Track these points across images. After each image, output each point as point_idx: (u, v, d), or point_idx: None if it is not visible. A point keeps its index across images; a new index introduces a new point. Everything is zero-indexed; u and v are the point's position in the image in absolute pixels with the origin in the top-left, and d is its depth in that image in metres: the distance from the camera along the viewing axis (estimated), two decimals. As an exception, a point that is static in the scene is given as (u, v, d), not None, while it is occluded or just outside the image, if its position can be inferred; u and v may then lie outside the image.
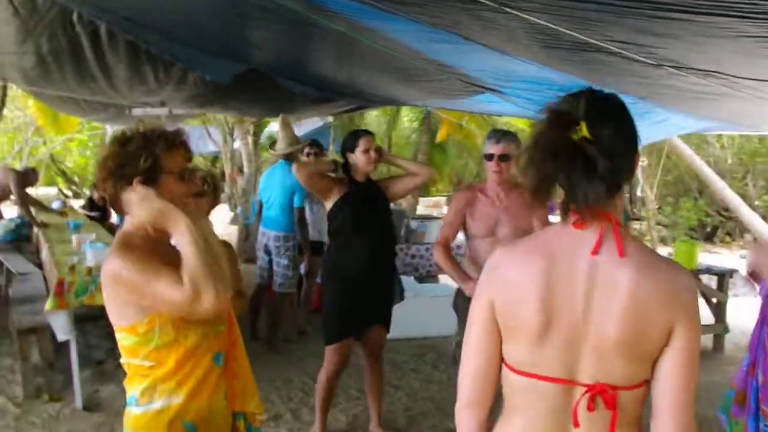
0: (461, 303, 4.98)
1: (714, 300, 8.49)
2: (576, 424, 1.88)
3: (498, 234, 4.91)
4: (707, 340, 8.49)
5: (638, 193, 16.41)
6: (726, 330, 8.37)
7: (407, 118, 26.68)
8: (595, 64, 4.56)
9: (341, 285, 5.46)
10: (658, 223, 21.83)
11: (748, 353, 3.15)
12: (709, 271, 8.66)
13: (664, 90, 4.95)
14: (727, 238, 22.47)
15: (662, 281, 1.88)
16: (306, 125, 19.43)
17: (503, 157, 4.84)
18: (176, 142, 2.97)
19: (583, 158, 1.87)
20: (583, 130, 1.89)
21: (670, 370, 1.84)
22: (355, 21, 5.11)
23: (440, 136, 19.23)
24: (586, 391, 1.84)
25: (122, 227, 3.01)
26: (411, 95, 8.67)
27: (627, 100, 5.76)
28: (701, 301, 8.62)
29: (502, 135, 4.88)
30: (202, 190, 4.03)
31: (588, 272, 1.85)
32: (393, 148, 23.38)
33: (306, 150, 8.46)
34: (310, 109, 10.45)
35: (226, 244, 4.04)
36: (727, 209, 18.14)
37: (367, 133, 5.83)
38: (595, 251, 1.86)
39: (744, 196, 21.01)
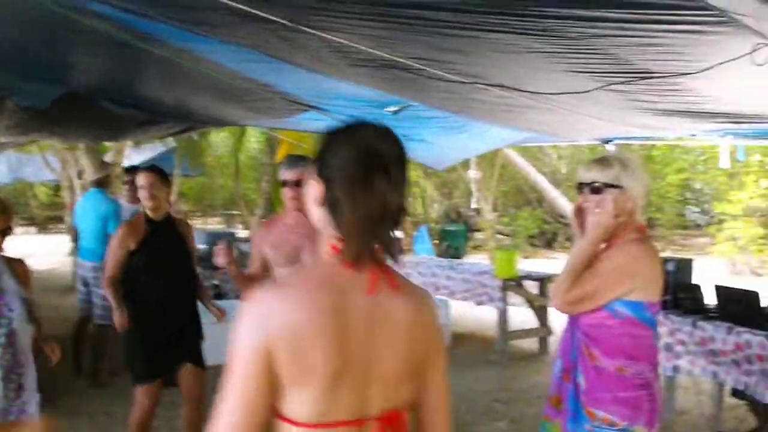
0: None
1: (536, 304, 8.82)
2: None
3: (302, 260, 4.86)
4: (533, 343, 8.84)
5: (473, 205, 16.85)
6: (549, 332, 8.66)
7: (255, 139, 26.43)
8: (403, 81, 4.65)
9: (141, 327, 5.26)
10: (499, 233, 22.46)
11: (560, 359, 3.24)
12: (529, 277, 8.96)
13: (475, 104, 5.11)
14: (567, 244, 23.37)
15: (426, 306, 1.95)
16: (147, 150, 18.97)
17: (298, 183, 4.76)
18: None
19: (389, 207, 1.81)
20: (393, 177, 1.80)
21: (436, 380, 1.97)
22: (171, 43, 5.02)
23: (279, 156, 19.06)
24: (378, 423, 1.83)
25: None
26: (239, 115, 8.58)
27: (443, 115, 5.91)
28: (525, 305, 8.96)
29: (295, 160, 4.82)
30: None
31: (368, 310, 1.81)
32: (240, 169, 23.08)
33: (126, 177, 8.21)
34: (138, 133, 10.15)
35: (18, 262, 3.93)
36: (563, 216, 18.86)
37: (147, 169, 5.50)
38: (372, 288, 1.82)
39: (579, 203, 21.92)
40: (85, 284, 7.97)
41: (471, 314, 10.07)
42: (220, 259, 4.59)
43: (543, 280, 8.70)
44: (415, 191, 25.46)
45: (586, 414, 3.01)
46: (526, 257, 20.13)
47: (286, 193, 4.75)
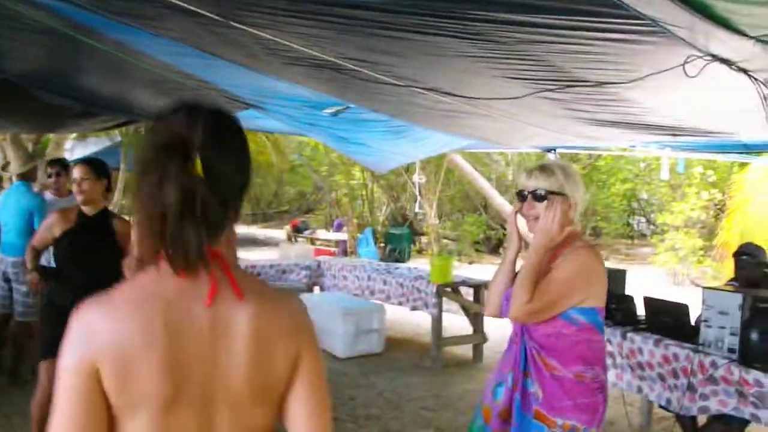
0: None
1: (471, 311, 8.71)
2: None
3: None
4: (467, 350, 8.94)
5: (417, 209, 16.84)
6: (484, 339, 8.56)
7: (201, 136, 26.18)
8: (338, 81, 4.57)
9: (58, 317, 5.14)
10: (445, 237, 22.51)
11: (512, 372, 3.19)
12: (464, 283, 8.89)
13: (412, 108, 5.05)
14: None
15: (281, 313, 1.72)
16: (92, 144, 18.62)
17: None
18: None
19: (192, 201, 1.57)
20: (198, 168, 1.58)
21: (304, 398, 1.71)
22: (106, 35, 4.88)
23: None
24: None
25: None
26: (178, 111, 8.43)
27: (382, 118, 5.85)
28: (461, 312, 8.92)
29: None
30: None
31: (209, 323, 1.61)
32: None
33: (49, 170, 7.99)
34: (73, 124, 9.95)
35: None
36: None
37: (80, 162, 5.39)
38: (212, 299, 1.62)
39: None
40: (6, 280, 7.72)
41: (411, 319, 10.00)
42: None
43: (478, 287, 8.62)
44: (362, 194, 25.47)
45: (541, 422, 3.03)
46: (471, 262, 20.22)
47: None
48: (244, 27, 3.58)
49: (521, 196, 3.20)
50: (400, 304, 8.82)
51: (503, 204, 17.14)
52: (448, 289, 8.46)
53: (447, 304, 8.61)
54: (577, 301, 3.06)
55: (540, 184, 3.12)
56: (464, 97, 4.37)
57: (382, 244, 20.05)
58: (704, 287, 4.62)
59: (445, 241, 22.84)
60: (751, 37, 2.79)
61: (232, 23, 3.54)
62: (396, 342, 9.34)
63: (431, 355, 8.28)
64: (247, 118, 7.60)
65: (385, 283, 9.02)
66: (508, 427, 3.14)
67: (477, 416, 3.36)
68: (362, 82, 4.41)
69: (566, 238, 3.12)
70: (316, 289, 10.57)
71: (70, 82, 7.15)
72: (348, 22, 3.16)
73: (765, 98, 3.60)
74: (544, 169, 3.18)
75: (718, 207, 17.12)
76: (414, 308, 8.51)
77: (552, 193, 3.09)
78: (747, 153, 7.03)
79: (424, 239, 21.77)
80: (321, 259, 11.05)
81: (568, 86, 3.74)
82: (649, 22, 2.62)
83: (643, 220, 26.90)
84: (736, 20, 2.64)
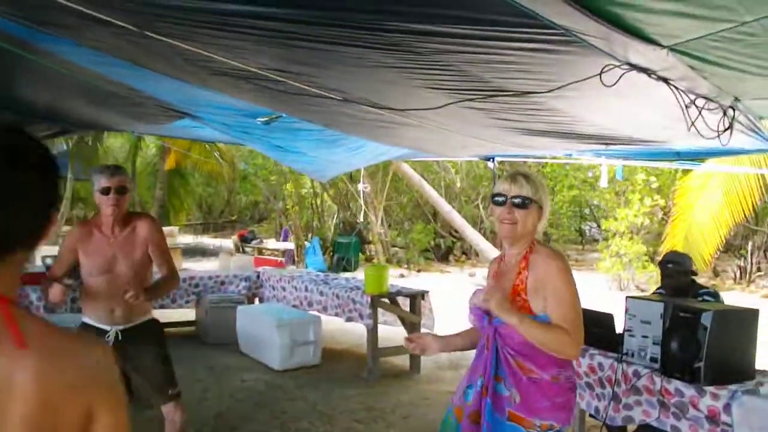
0: None
1: (408, 321, 8.57)
2: None
3: (116, 271, 4.70)
4: (406, 360, 8.81)
5: (361, 218, 16.85)
6: None
7: (153, 145, 25.90)
8: (264, 92, 4.51)
9: None
10: (394, 245, 22.52)
11: (481, 378, 3.26)
12: (400, 293, 8.81)
13: (343, 118, 5.02)
14: (462, 257, 23.60)
15: (71, 364, 1.43)
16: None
17: (120, 190, 4.60)
18: None
19: None
20: None
21: None
22: (32, 44, 4.76)
23: (168, 164, 18.81)
24: None
25: None
26: (114, 120, 8.30)
27: (316, 127, 5.78)
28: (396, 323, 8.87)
29: (115, 169, 4.69)
30: None
31: None
32: (137, 176, 22.65)
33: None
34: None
35: None
36: (457, 231, 19.02)
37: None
38: None
39: (475, 217, 22.26)
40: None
41: (353, 330, 9.93)
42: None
43: (414, 297, 8.57)
44: (313, 203, 25.40)
45: (517, 423, 3.12)
46: (419, 271, 20.23)
47: (107, 201, 4.59)
48: (161, 38, 3.51)
49: (499, 200, 3.25)
50: (336, 315, 8.73)
51: (450, 212, 17.22)
52: (385, 300, 8.40)
53: (390, 315, 8.60)
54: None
55: (522, 191, 3.20)
56: (389, 108, 4.35)
57: (331, 253, 19.99)
58: (628, 296, 4.63)
59: (394, 249, 22.87)
60: (665, 47, 2.80)
61: (148, 33, 3.47)
62: (334, 354, 9.30)
63: (368, 367, 8.21)
64: (183, 127, 7.52)
65: (322, 294, 8.94)
66: (479, 429, 3.22)
67: (449, 412, 3.44)
68: (288, 92, 4.36)
69: (530, 245, 3.24)
70: (257, 300, 10.48)
71: (5, 93, 7.00)
72: (265, 34, 3.10)
73: (687, 107, 3.62)
74: (527, 177, 3.26)
75: (664, 213, 17.35)
76: (349, 319, 8.43)
77: (531, 201, 3.19)
78: (680, 160, 7.11)
79: (372, 247, 21.75)
80: (261, 270, 10.94)
81: (491, 96, 3.73)
82: (563, 31, 2.61)
83: (594, 225, 27.22)
84: (648, 30, 2.65)
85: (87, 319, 4.71)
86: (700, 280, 17.19)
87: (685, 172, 13.77)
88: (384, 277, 8.25)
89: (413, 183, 17.21)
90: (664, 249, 13.69)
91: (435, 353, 3.55)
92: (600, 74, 3.03)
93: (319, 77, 3.91)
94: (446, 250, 23.36)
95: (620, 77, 3.05)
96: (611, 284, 16.87)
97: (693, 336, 4.05)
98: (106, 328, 4.57)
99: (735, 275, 19.15)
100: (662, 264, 5.51)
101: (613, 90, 3.23)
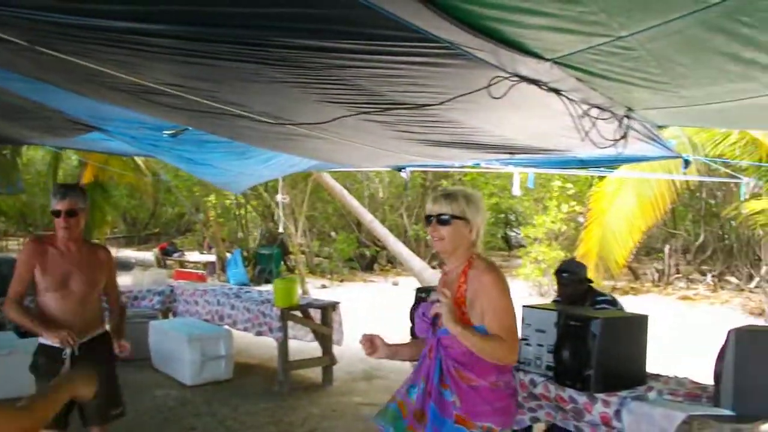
0: (43, 362, 4.63)
1: (320, 333, 8.57)
2: None
3: (71, 287, 4.68)
4: (318, 373, 8.65)
5: (281, 229, 16.77)
6: (333, 361, 8.50)
7: (76, 158, 25.32)
8: (166, 106, 4.45)
9: None
10: (317, 255, 22.49)
11: (423, 382, 3.46)
12: (311, 305, 8.80)
13: (247, 131, 5.00)
14: (387, 266, 23.70)
15: None
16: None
17: (70, 213, 4.58)
18: None
19: None
20: None
21: None
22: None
23: (85, 177, 18.45)
24: None
25: None
26: (23, 134, 8.11)
27: (224, 139, 5.73)
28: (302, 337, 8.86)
29: (66, 190, 4.64)
30: None
31: None
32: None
33: None
34: None
35: None
36: (379, 240, 19.06)
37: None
38: None
39: (399, 227, 22.37)
40: None
41: (268, 343, 9.83)
42: None
43: (326, 309, 8.54)
44: (239, 213, 25.20)
45: (462, 425, 3.34)
46: (342, 281, 20.23)
47: (58, 224, 4.59)
48: (53, 53, 3.44)
49: (428, 219, 3.49)
50: (246, 329, 8.68)
51: (372, 222, 17.23)
52: (296, 313, 8.36)
53: (302, 329, 8.56)
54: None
55: (443, 209, 3.43)
56: (289, 122, 4.35)
57: (254, 265, 19.85)
58: (524, 305, 4.66)
59: (318, 259, 22.83)
60: (548, 60, 2.85)
61: (39, 49, 3.40)
62: (246, 368, 9.23)
63: (278, 380, 8.15)
64: (94, 141, 7.39)
65: (233, 308, 8.88)
66: (423, 428, 3.43)
67: (390, 405, 3.60)
68: (190, 109, 4.32)
69: (469, 260, 3.45)
70: (172, 315, 10.36)
71: None
72: (158, 50, 3.08)
73: (580, 117, 3.69)
74: (448, 196, 3.47)
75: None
76: (259, 333, 8.37)
77: (454, 217, 3.41)
78: (585, 168, 7.25)
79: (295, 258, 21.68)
80: (175, 284, 10.82)
81: (387, 109, 3.76)
82: (448, 44, 2.64)
83: (519, 232, 27.60)
84: (529, 44, 2.71)
85: (43, 340, 4.64)
86: (619, 284, 17.43)
87: (601, 178, 14.03)
88: (293, 290, 8.20)
89: (335, 193, 17.18)
90: (578, 254, 13.92)
91: (381, 357, 3.68)
92: (489, 86, 3.08)
93: (218, 92, 3.89)
94: (371, 259, 23.43)
95: (510, 89, 3.11)
96: (532, 290, 17.10)
97: (583, 344, 4.12)
98: (63, 346, 4.48)
99: (653, 278, 19.62)
100: (557, 273, 5.57)
101: (509, 101, 3.29)
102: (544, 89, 3.29)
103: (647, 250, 24.82)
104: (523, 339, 4.53)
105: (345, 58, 2.93)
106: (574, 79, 3.16)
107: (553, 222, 16.89)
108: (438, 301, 3.40)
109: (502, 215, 26.77)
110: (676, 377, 4.48)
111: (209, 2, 2.48)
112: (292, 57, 2.96)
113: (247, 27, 2.67)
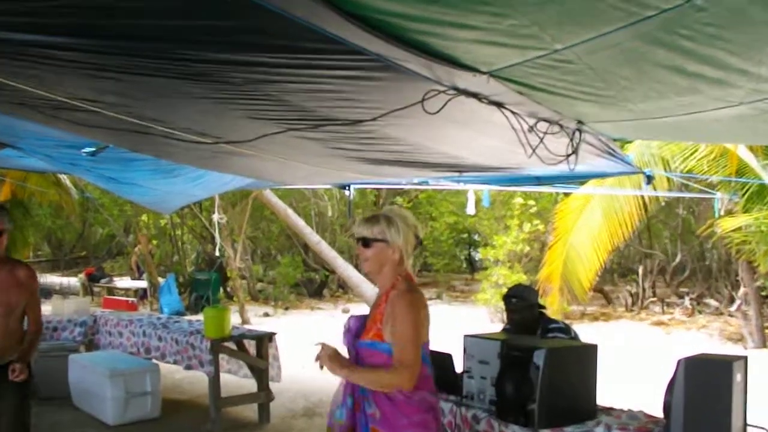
0: None
1: (255, 366, 8.45)
2: None
3: None
4: (252, 410, 8.53)
5: (217, 252, 16.64)
6: (269, 398, 8.38)
7: (-3, 176, 24.95)
8: (85, 123, 4.45)
9: None
10: (260, 281, 22.36)
11: (350, 397, 3.73)
12: (244, 336, 8.64)
13: (171, 148, 5.01)
14: (339, 292, 23.56)
15: None
16: None
17: None
18: None
19: None
20: None
21: None
22: None
23: (2, 195, 18.25)
24: None
25: None
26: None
27: (149, 157, 5.72)
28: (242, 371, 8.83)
29: None
30: None
31: None
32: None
33: None
34: None
35: None
36: (327, 263, 19.01)
37: None
38: None
39: (351, 248, 22.29)
40: None
41: (201, 378, 9.72)
42: None
43: (261, 340, 8.44)
44: (175, 234, 24.94)
45: None
46: (287, 308, 20.10)
47: None
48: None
49: (356, 241, 3.84)
50: (175, 362, 8.57)
51: (319, 243, 17.22)
52: (230, 344, 8.29)
53: (236, 362, 8.51)
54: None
55: (364, 232, 3.73)
56: (214, 140, 4.37)
57: (190, 292, 19.68)
58: (465, 334, 4.66)
59: (261, 284, 22.68)
60: (484, 73, 2.91)
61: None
62: (175, 405, 9.07)
63: (210, 419, 8.00)
64: (8, 158, 7.35)
65: (160, 339, 8.78)
66: None
67: None
68: (107, 123, 4.33)
69: (394, 282, 3.73)
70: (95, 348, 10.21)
71: None
72: (64, 63, 3.08)
73: (527, 132, 3.75)
74: (369, 219, 3.78)
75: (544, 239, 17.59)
76: (188, 367, 8.24)
77: (375, 240, 3.71)
78: (539, 185, 7.33)
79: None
80: (98, 313, 10.66)
81: (318, 125, 3.81)
82: (375, 57, 2.68)
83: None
84: (462, 58, 2.76)
85: None
86: (590, 308, 17.39)
87: (567, 194, 14.09)
88: (225, 319, 8.08)
89: (278, 211, 17.16)
90: (541, 276, 14.00)
91: (336, 375, 3.80)
92: (423, 100, 3.13)
93: (135, 107, 3.91)
94: (320, 284, 23.32)
95: (447, 102, 3.16)
96: (493, 317, 16.97)
97: (526, 376, 4.10)
98: None
99: (626, 302, 19.62)
100: (506, 299, 5.54)
101: (449, 116, 3.35)
102: (485, 102, 3.35)
103: (622, 271, 24.92)
104: (465, 371, 4.53)
105: (268, 73, 2.98)
106: (515, 93, 3.22)
107: (514, 243, 16.92)
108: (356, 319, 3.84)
109: (465, 235, 26.74)
110: (630, 410, 4.49)
111: (113, 15, 2.50)
112: (211, 72, 3.00)
113: (158, 40, 2.69)
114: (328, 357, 3.65)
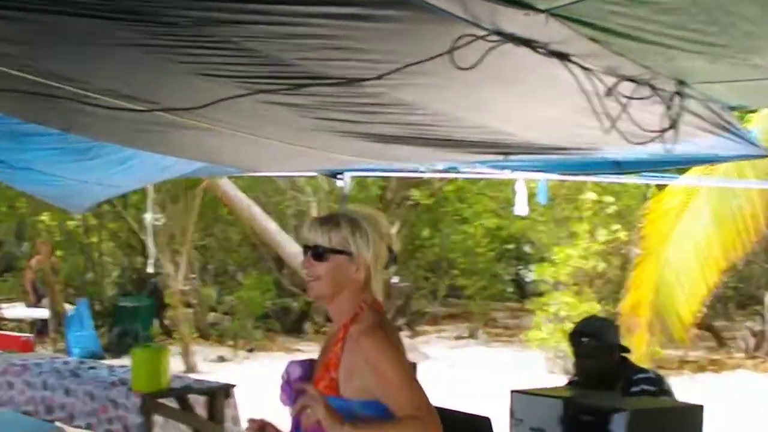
0: None
1: None
2: None
3: None
4: None
5: (150, 268, 16.56)
6: None
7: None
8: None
9: None
10: (213, 310, 22.30)
11: None
12: (189, 389, 8.62)
13: (85, 118, 5.02)
14: (326, 326, 23.46)
15: None
16: None
17: None
18: None
19: None
20: None
21: None
22: None
23: None
24: None
25: None
26: None
27: (55, 131, 5.81)
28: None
29: None
30: None
31: None
32: None
33: None
34: None
35: None
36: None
37: None
38: None
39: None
40: None
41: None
42: None
43: (214, 395, 8.47)
44: (89, 243, 24.92)
45: None
46: (251, 350, 20.08)
47: None
48: None
49: (305, 250, 3.64)
50: (88, 427, 8.52)
51: (299, 255, 17.15)
52: (168, 401, 8.28)
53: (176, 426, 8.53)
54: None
55: (318, 239, 3.55)
56: (144, 106, 4.40)
57: (110, 325, 19.74)
58: (513, 390, 4.64)
59: (214, 315, 22.65)
60: (542, 11, 2.91)
61: None
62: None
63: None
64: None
65: (68, 393, 8.71)
66: None
67: None
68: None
69: (356, 312, 3.56)
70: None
71: None
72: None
73: (601, 96, 3.75)
74: (327, 220, 3.64)
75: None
76: (108, 432, 8.29)
77: (333, 251, 3.51)
78: (620, 173, 7.33)
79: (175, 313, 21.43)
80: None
81: (300, 86, 3.81)
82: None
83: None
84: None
85: None
86: (692, 354, 17.27)
87: (660, 186, 13.87)
88: (161, 365, 8.02)
89: (240, 210, 17.18)
90: (623, 307, 13.87)
91: None
92: (452, 50, 3.13)
93: (37, 59, 3.93)
94: (300, 315, 23.27)
95: (486, 53, 3.15)
96: (553, 364, 16.97)
97: None
98: None
99: (746, 344, 19.39)
100: (573, 338, 5.52)
101: (488, 74, 3.38)
102: (542, 53, 3.35)
103: (741, 300, 24.71)
104: None
105: (229, 10, 2.98)
106: (587, 39, 3.22)
107: (583, 257, 16.81)
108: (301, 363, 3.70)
109: (512, 246, 26.42)
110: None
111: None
112: (146, 9, 3.01)
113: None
114: (324, 406, 3.37)
